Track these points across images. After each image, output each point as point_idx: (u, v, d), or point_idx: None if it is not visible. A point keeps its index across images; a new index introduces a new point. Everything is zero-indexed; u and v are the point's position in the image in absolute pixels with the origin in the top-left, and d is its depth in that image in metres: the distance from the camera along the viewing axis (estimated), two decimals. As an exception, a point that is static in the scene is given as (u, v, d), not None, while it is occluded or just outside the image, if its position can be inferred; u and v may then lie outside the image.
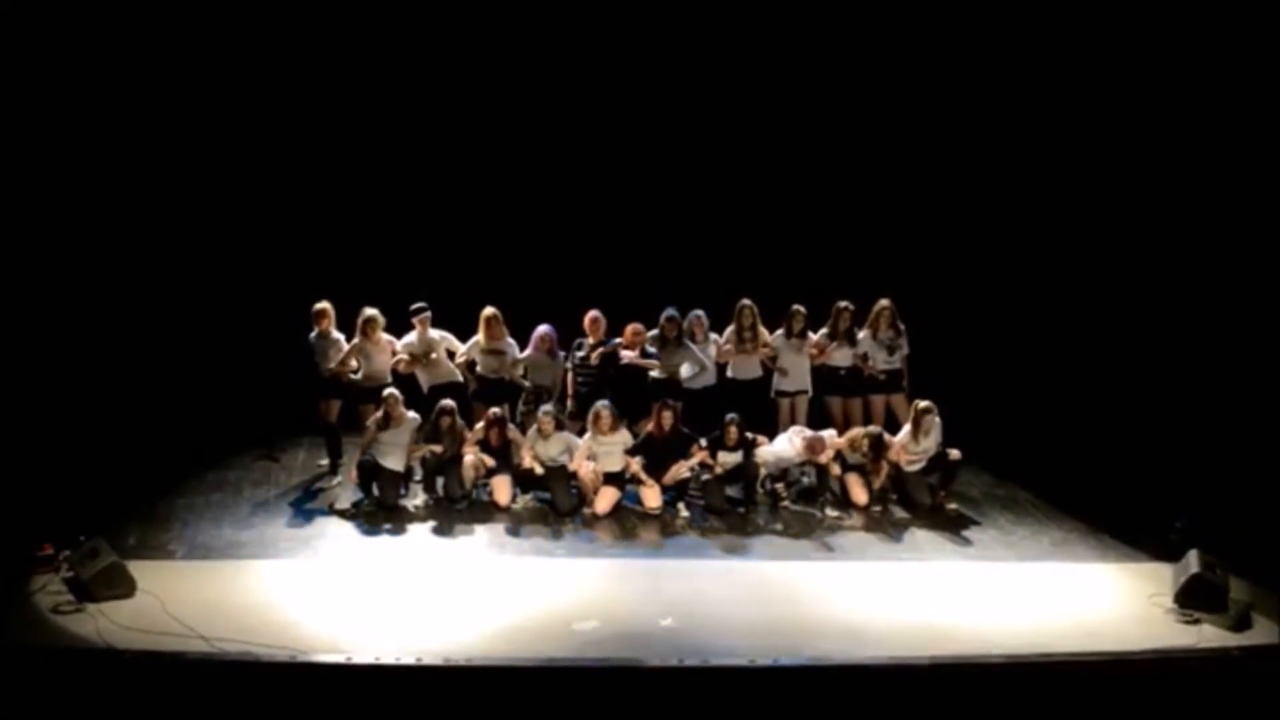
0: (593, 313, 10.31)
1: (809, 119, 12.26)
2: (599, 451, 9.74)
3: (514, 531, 9.31)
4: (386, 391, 9.65)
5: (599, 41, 11.86)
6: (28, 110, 10.27)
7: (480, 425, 9.79)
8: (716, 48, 11.98)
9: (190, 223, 11.77)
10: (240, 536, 9.05)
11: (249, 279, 11.65)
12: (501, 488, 9.71)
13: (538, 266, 11.89)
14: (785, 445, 9.93)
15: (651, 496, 9.67)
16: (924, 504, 9.95)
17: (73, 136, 10.82)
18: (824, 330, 10.64)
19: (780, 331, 10.50)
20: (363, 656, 7.14)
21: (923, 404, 9.89)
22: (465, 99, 12.08)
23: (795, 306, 10.48)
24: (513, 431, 9.85)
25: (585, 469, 9.67)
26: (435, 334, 10.24)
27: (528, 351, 10.29)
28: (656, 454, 9.75)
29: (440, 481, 9.77)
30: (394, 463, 9.60)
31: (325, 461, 10.41)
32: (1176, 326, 10.98)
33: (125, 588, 7.84)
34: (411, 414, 9.68)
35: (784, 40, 11.99)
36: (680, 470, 9.71)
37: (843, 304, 10.58)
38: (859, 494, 9.90)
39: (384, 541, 9.11)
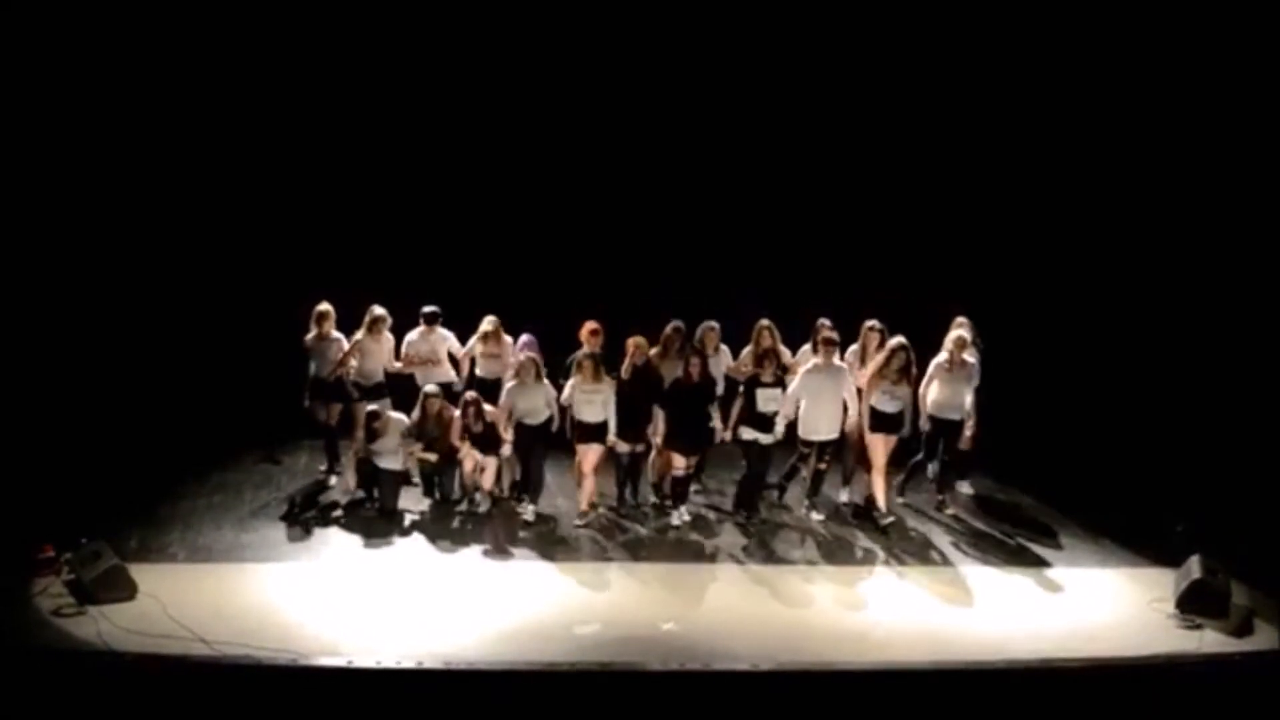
0: (591, 324, 9.86)
1: (824, 122, 12.24)
2: (580, 400, 9.41)
3: (515, 535, 9.29)
4: (369, 409, 9.57)
5: (617, 49, 11.84)
6: (28, 111, 10.28)
7: (458, 415, 9.60)
8: (735, 56, 11.97)
9: (192, 226, 11.78)
10: (242, 539, 9.05)
11: (251, 282, 11.66)
12: (489, 470, 9.64)
13: (548, 273, 11.94)
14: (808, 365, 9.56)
15: (679, 460, 9.49)
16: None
17: (74, 138, 10.83)
18: (853, 348, 9.96)
19: (805, 348, 9.98)
20: (364, 660, 7.15)
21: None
22: (472, 103, 12.08)
23: (821, 320, 9.84)
24: (490, 412, 9.61)
25: (590, 458, 9.53)
26: (441, 332, 10.24)
27: (510, 368, 9.83)
28: (684, 403, 9.43)
29: (438, 482, 9.76)
30: (391, 463, 9.58)
31: (324, 466, 10.38)
32: (1178, 332, 10.98)
33: (126, 590, 7.85)
34: (396, 415, 9.65)
35: (800, 47, 11.98)
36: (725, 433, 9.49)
37: (870, 323, 9.95)
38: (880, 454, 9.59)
39: (385, 545, 9.10)
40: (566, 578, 8.59)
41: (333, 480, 10.20)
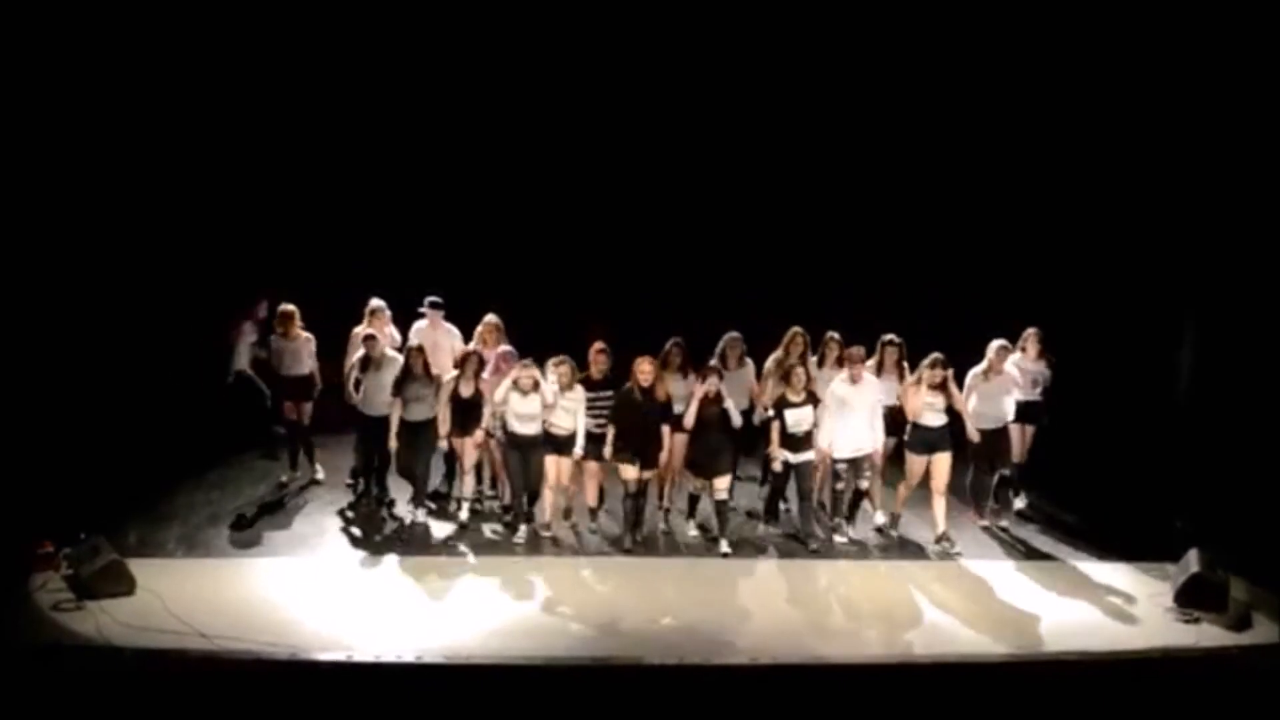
0: (598, 344, 9.25)
1: (836, 132, 12.15)
2: (558, 408, 8.94)
3: (515, 531, 9.27)
4: (366, 332, 9.42)
5: (627, 55, 11.74)
6: (29, 113, 10.21)
7: (449, 377, 9.17)
8: (746, 63, 11.86)
9: (190, 221, 11.76)
10: (240, 534, 9.05)
11: (249, 278, 11.62)
12: (468, 453, 9.33)
13: (547, 281, 11.98)
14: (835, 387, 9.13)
15: (723, 481, 9.04)
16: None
17: (76, 136, 10.76)
18: (870, 363, 9.42)
19: (813, 360, 9.58)
20: (363, 654, 7.16)
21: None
22: (478, 109, 12.02)
23: (830, 334, 9.66)
24: (485, 382, 9.17)
25: (553, 471, 9.09)
26: (446, 326, 10.05)
27: (488, 373, 9.31)
28: (704, 423, 8.91)
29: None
30: (379, 408, 9.28)
31: (286, 476, 10.15)
32: (1176, 326, 10.96)
33: (125, 585, 7.85)
34: (390, 352, 9.45)
35: (814, 55, 11.85)
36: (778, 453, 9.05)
37: (887, 337, 9.55)
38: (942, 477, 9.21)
39: (384, 540, 9.09)
40: (565, 573, 8.60)
41: (319, 473, 10.13)
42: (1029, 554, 9.22)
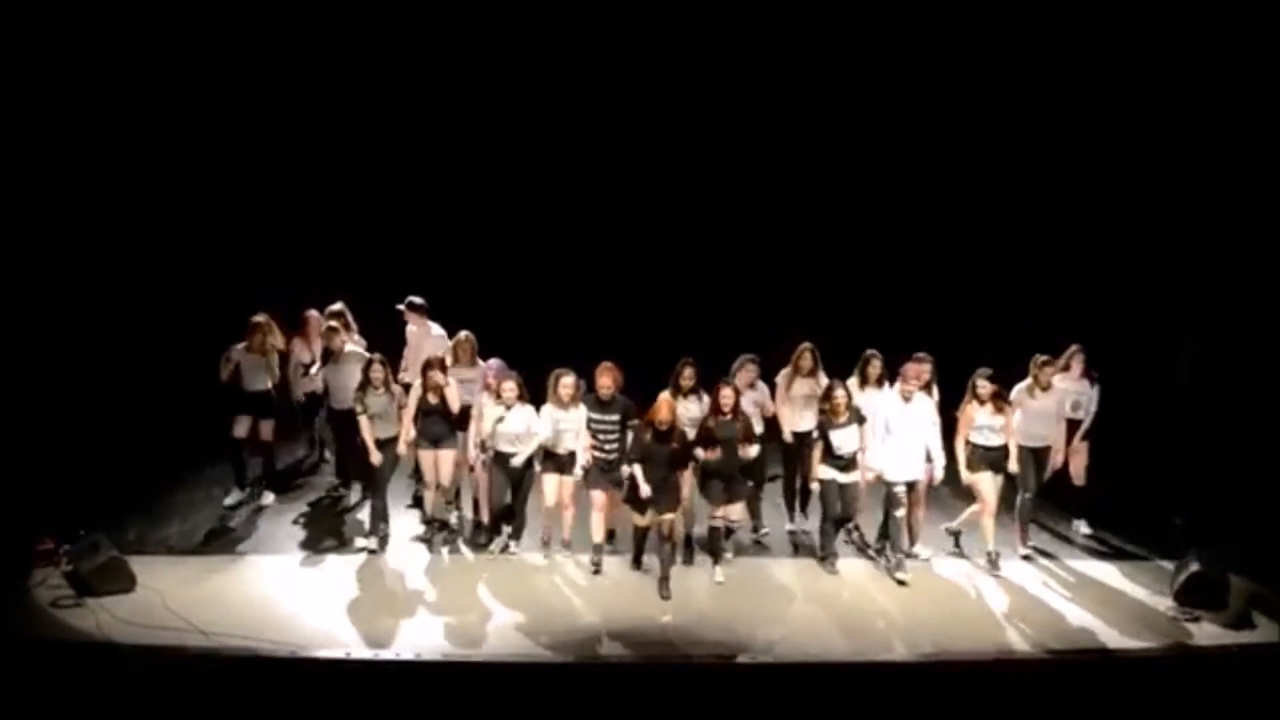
0: (606, 364, 8.77)
1: (854, 144, 12.16)
2: (558, 428, 8.58)
3: (513, 529, 9.25)
4: (329, 324, 9.30)
5: (633, 63, 11.75)
6: (30, 115, 10.22)
7: (417, 384, 8.77)
8: (753, 72, 11.86)
9: (188, 220, 11.78)
10: (240, 532, 9.07)
11: (247, 276, 11.64)
12: (444, 467, 8.92)
13: (546, 293, 12.06)
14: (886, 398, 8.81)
15: (735, 510, 8.63)
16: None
17: (75, 137, 10.78)
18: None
19: (851, 381, 9.06)
20: (361, 652, 7.17)
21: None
22: (491, 120, 12.06)
23: (870, 352, 9.24)
24: (451, 390, 8.76)
25: (553, 490, 8.73)
26: (430, 327, 9.91)
27: (478, 390, 8.96)
28: (716, 442, 8.41)
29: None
30: (345, 401, 9.04)
31: (231, 498, 9.69)
32: (1174, 325, 10.96)
33: (125, 582, 7.87)
34: (351, 347, 9.27)
35: (819, 65, 11.84)
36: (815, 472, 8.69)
37: (919, 356, 9.04)
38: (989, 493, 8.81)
39: (382, 539, 9.07)
40: (563, 572, 8.61)
41: (267, 499, 9.67)
42: (1029, 553, 9.20)
